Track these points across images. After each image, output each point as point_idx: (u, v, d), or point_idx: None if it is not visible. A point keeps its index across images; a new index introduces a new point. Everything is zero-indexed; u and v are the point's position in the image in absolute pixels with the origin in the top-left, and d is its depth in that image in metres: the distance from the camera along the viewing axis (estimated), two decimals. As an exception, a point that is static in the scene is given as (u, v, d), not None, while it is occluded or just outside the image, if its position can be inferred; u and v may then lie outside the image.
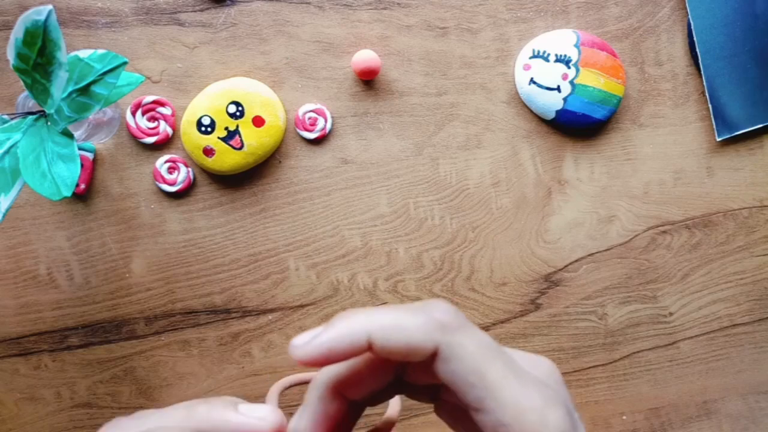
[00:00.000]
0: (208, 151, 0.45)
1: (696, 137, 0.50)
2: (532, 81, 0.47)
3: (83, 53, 0.35)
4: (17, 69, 0.33)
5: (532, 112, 0.49)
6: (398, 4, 0.47)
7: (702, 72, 0.48)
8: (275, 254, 0.48)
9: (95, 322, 0.48)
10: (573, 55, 0.47)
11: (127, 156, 0.47)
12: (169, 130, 0.46)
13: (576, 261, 0.50)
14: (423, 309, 0.20)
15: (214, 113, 0.45)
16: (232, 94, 0.45)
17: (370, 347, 0.19)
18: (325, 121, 0.47)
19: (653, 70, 0.49)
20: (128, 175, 0.47)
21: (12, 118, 0.36)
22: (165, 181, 0.46)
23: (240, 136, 0.45)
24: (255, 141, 0.46)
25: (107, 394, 0.48)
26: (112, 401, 0.48)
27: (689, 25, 0.48)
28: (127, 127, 0.46)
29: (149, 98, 0.46)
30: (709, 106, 0.49)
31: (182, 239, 0.47)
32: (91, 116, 0.40)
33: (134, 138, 0.46)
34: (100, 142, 0.46)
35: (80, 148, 0.45)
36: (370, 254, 0.49)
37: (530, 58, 0.47)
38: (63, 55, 0.33)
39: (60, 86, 0.34)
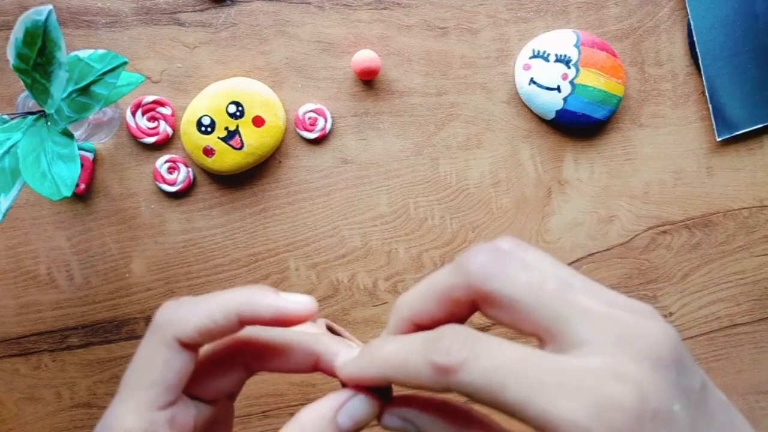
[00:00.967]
0: (208, 151, 0.45)
1: (696, 137, 0.50)
2: (532, 81, 0.47)
3: (83, 53, 0.35)
4: (17, 69, 0.33)
5: (532, 112, 0.49)
6: (398, 4, 0.47)
7: (702, 72, 0.48)
8: (275, 254, 0.48)
9: (95, 322, 0.48)
10: (573, 55, 0.47)
11: (127, 156, 0.47)
12: (169, 130, 0.46)
13: (576, 261, 0.50)
14: (456, 264, 0.20)
15: (214, 113, 0.45)
16: (232, 94, 0.45)
17: (422, 327, 0.20)
18: (325, 121, 0.47)
19: (653, 70, 0.49)
20: (128, 175, 0.47)
21: (12, 118, 0.36)
22: (165, 181, 0.46)
23: (240, 136, 0.45)
24: (255, 141, 0.46)
25: (107, 394, 0.48)
26: (112, 401, 0.48)
27: (689, 25, 0.48)
28: (127, 127, 0.46)
29: (149, 98, 0.46)
30: (709, 106, 0.49)
31: (182, 239, 0.47)
32: (91, 116, 0.40)
33: (134, 138, 0.46)
34: (100, 142, 0.46)
35: (80, 148, 0.45)
36: (370, 254, 0.49)
37: (530, 58, 0.47)
38: (63, 55, 0.33)
39: (60, 86, 0.34)
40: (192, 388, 0.23)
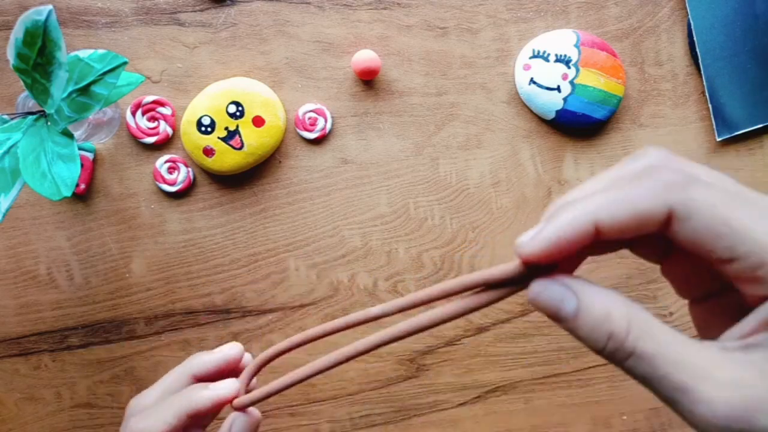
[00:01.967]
0: (208, 151, 0.45)
1: (696, 137, 0.50)
2: (532, 81, 0.47)
3: (83, 53, 0.35)
4: (17, 69, 0.33)
5: (532, 112, 0.49)
6: (398, 4, 0.47)
7: (702, 72, 0.48)
8: (275, 254, 0.48)
9: (95, 322, 0.48)
10: (573, 55, 0.47)
11: (127, 156, 0.47)
12: (169, 130, 0.46)
13: (576, 261, 0.50)
14: (643, 174, 0.19)
15: (214, 113, 0.45)
16: (232, 94, 0.45)
17: (598, 233, 0.18)
18: (325, 121, 0.47)
19: (653, 70, 0.49)
20: (128, 175, 0.47)
21: (12, 118, 0.36)
22: (165, 181, 0.46)
23: (240, 136, 0.45)
24: (255, 141, 0.46)
25: (107, 394, 0.48)
26: (113, 401, 0.48)
27: (689, 25, 0.48)
28: (127, 127, 0.46)
29: (149, 98, 0.46)
30: (709, 106, 0.49)
31: (182, 239, 0.47)
32: (91, 116, 0.40)
33: (134, 138, 0.46)
34: (100, 142, 0.46)
35: (80, 148, 0.45)
36: (370, 254, 0.49)
37: (530, 58, 0.47)
38: (63, 55, 0.33)
39: (60, 86, 0.34)
40: None
